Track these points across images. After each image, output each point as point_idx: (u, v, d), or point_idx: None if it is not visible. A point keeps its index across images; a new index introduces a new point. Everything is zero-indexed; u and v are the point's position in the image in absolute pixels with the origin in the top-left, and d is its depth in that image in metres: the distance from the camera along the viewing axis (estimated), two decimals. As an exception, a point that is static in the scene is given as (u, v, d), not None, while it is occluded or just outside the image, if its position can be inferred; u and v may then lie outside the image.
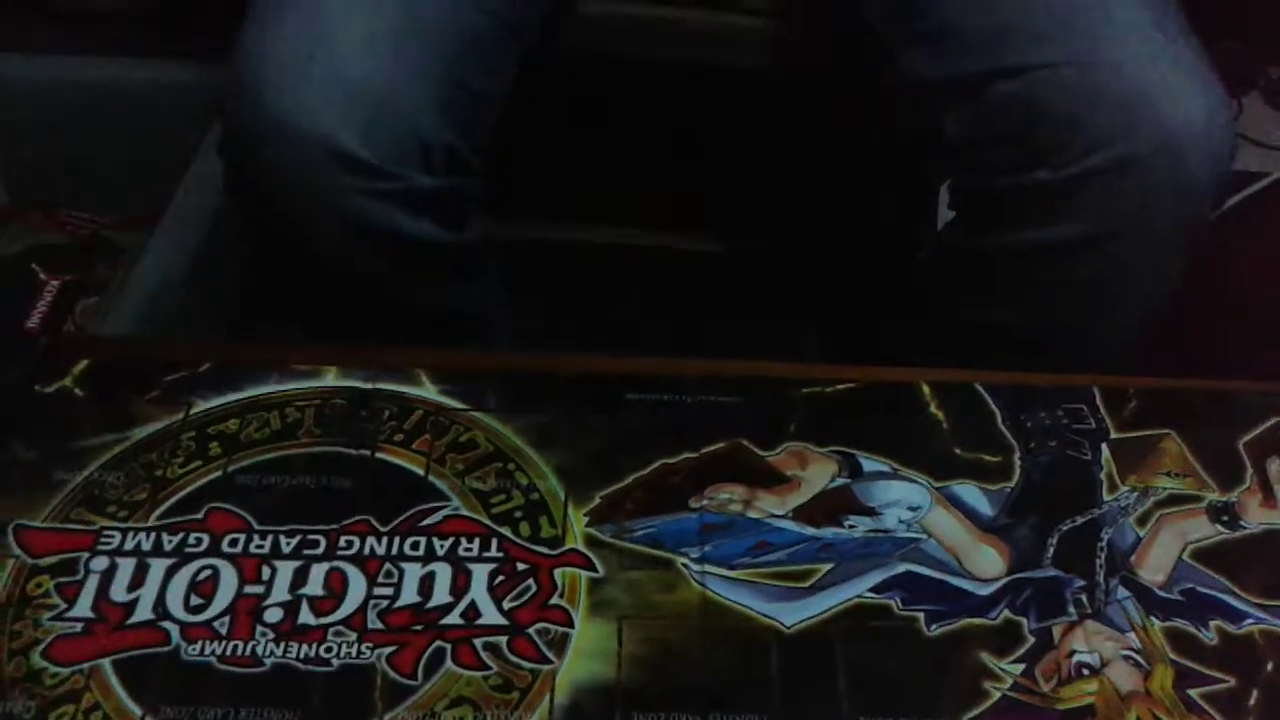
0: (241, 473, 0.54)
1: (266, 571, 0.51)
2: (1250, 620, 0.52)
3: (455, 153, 0.73)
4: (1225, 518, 0.56)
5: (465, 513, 0.53)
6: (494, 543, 0.52)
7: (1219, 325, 1.14)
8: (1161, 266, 0.73)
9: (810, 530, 0.54)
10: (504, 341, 0.86)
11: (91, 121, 1.01)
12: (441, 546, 0.52)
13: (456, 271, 0.78)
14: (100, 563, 0.51)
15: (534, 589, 0.51)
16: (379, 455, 0.56)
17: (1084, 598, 0.52)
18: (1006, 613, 0.51)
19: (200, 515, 0.53)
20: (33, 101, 1.02)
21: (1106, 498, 0.57)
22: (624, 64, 0.92)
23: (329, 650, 0.48)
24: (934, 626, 0.51)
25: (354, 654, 0.48)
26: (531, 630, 0.49)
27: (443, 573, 0.51)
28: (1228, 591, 0.53)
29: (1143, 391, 0.61)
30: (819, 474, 0.56)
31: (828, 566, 0.53)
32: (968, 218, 0.79)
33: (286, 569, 0.51)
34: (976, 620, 0.51)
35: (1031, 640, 0.50)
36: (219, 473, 0.54)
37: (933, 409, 0.60)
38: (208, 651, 0.48)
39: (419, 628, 0.49)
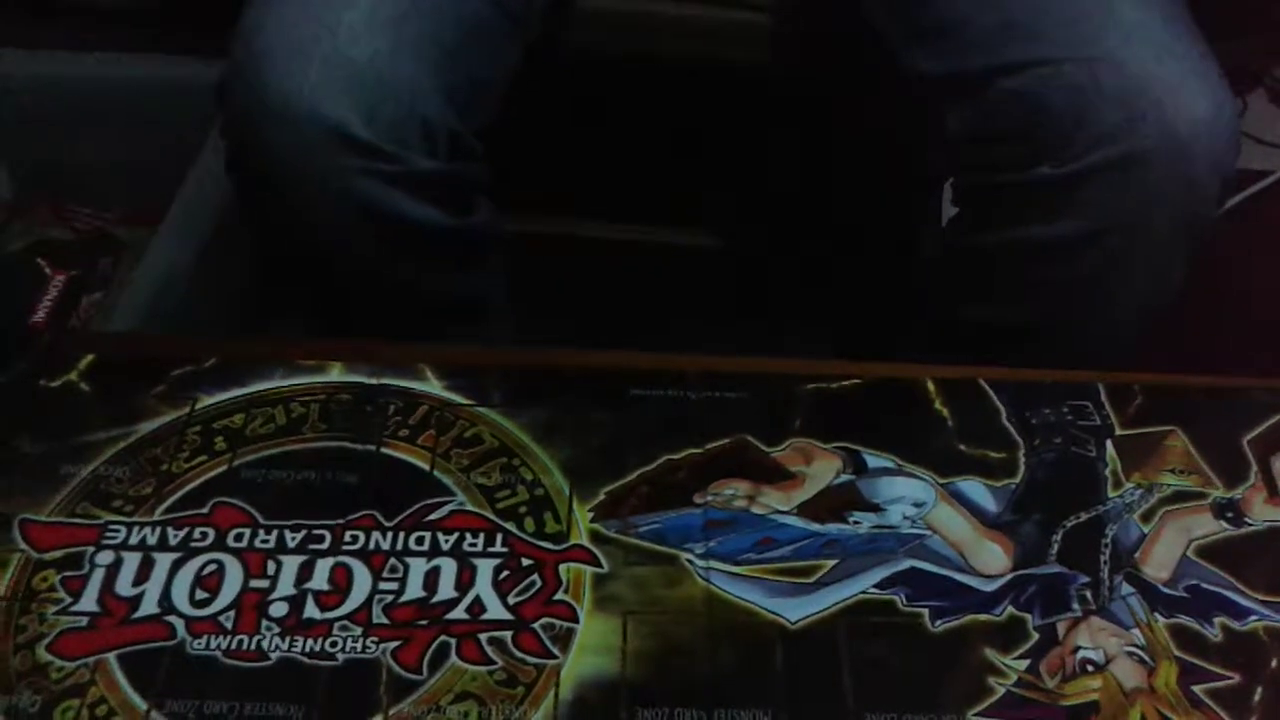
0: (247, 467, 0.54)
1: (272, 566, 0.51)
2: (1255, 617, 0.52)
3: (457, 137, 0.73)
4: (1230, 514, 0.56)
5: (470, 508, 0.53)
6: (499, 538, 0.52)
7: (1221, 324, 1.14)
8: (1164, 264, 0.73)
9: (815, 526, 0.54)
10: (506, 331, 0.86)
11: (96, 117, 1.01)
12: (446, 541, 0.52)
13: (460, 257, 0.78)
14: (105, 557, 0.51)
15: (539, 584, 0.51)
16: (384, 450, 0.56)
17: (1088, 594, 0.52)
18: (1011, 609, 0.51)
19: (205, 510, 0.53)
20: (37, 97, 1.02)
21: (1111, 494, 0.57)
22: (624, 60, 0.92)
23: (334, 645, 0.48)
24: (938, 622, 0.51)
25: (359, 649, 0.48)
26: (536, 625, 0.49)
27: (448, 568, 0.51)
28: (1232, 588, 0.53)
29: (1148, 388, 0.61)
30: (823, 470, 0.56)
31: (832, 562, 0.53)
32: (969, 214, 0.79)
33: (292, 564, 0.51)
34: (981, 616, 0.51)
35: (1036, 636, 0.50)
36: (224, 467, 0.54)
37: (937, 405, 0.60)
38: (213, 646, 0.48)
39: (424, 622, 0.49)
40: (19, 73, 1.02)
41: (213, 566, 0.51)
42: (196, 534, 0.52)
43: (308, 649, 0.48)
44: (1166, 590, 0.53)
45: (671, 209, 1.12)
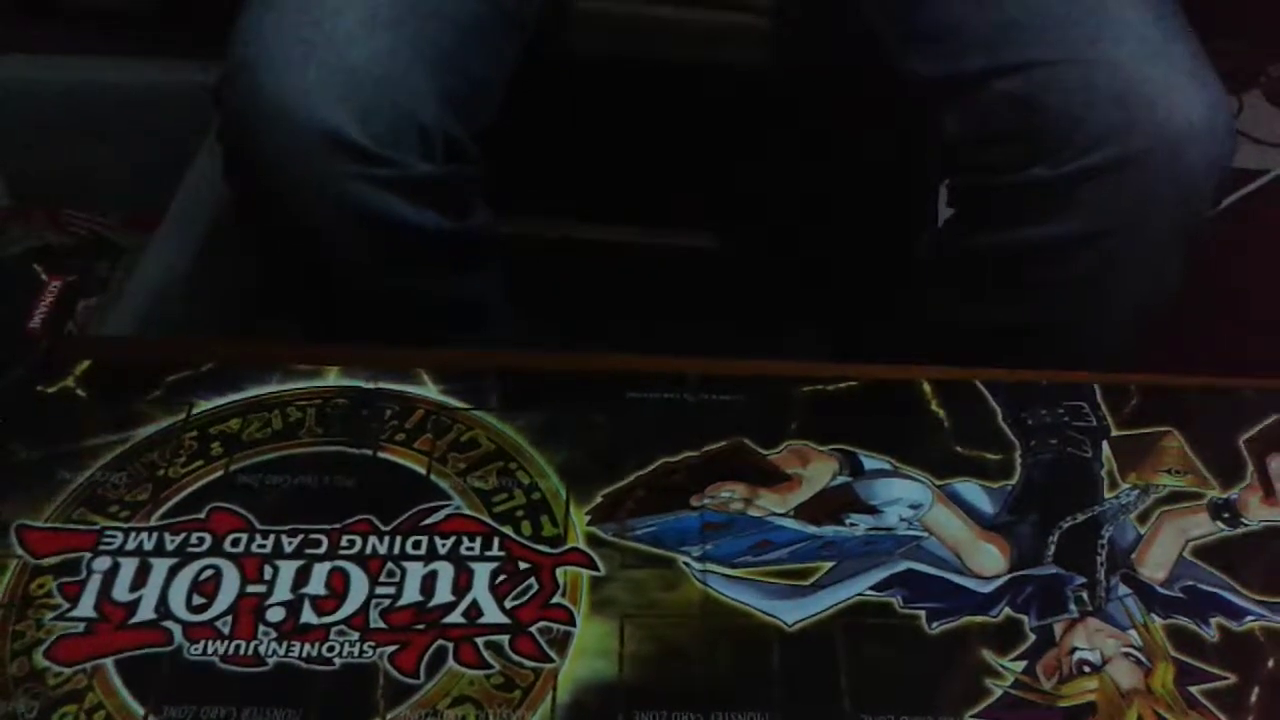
0: (243, 472, 0.55)
1: (269, 571, 0.51)
2: (1251, 617, 0.52)
3: (454, 140, 0.73)
4: (1226, 515, 0.56)
5: (467, 512, 0.53)
6: (496, 542, 0.52)
7: (1217, 323, 1.14)
8: (1160, 265, 0.73)
9: (811, 528, 0.54)
10: (504, 333, 0.86)
11: (93, 122, 1.01)
12: (443, 545, 0.52)
13: (457, 260, 0.78)
14: (102, 562, 0.51)
15: (536, 588, 0.51)
16: (381, 455, 0.56)
17: (1085, 595, 0.52)
18: (1008, 610, 0.51)
19: (202, 515, 0.53)
20: (34, 102, 1.02)
21: (1107, 495, 0.57)
22: (622, 62, 0.92)
23: (331, 649, 0.48)
24: (935, 624, 0.51)
25: (356, 653, 0.48)
26: (533, 629, 0.49)
27: (445, 572, 0.51)
28: (1228, 588, 0.53)
29: (1143, 389, 0.61)
30: (820, 472, 0.56)
31: (829, 565, 0.53)
32: (966, 215, 0.79)
33: (288, 568, 0.51)
34: (978, 618, 0.51)
35: (1033, 638, 0.50)
36: (221, 472, 0.54)
37: (934, 407, 0.60)
38: (210, 651, 0.48)
39: (421, 627, 0.49)
40: (16, 76, 1.02)
41: (209, 572, 0.51)
42: (193, 539, 0.52)
43: (305, 654, 0.48)
44: (1163, 591, 0.53)
45: (668, 211, 1.12)
